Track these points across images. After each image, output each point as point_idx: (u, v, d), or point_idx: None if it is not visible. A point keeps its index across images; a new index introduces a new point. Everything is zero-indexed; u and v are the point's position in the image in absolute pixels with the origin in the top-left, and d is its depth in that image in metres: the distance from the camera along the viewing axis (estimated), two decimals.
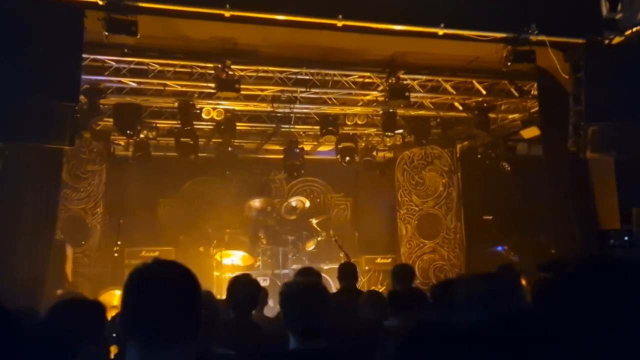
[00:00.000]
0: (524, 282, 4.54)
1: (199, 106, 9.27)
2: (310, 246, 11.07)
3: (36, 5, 5.90)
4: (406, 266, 6.84)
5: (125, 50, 7.57)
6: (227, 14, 6.24)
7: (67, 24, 5.94)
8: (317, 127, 10.41)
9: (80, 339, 2.39)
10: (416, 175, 12.70)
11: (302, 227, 11.34)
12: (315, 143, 11.59)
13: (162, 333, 1.69)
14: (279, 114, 10.00)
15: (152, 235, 10.83)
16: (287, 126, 10.41)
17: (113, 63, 7.98)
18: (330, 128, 10.16)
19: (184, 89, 8.90)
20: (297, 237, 11.01)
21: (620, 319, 1.30)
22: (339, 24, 6.62)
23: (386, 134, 10.41)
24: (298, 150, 11.11)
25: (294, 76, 8.71)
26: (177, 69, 8.33)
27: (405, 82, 8.72)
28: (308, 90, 8.95)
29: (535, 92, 8.96)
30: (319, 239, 11.05)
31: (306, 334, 2.63)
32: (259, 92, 9.26)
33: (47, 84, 5.80)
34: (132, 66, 8.07)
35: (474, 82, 9.43)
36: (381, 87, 8.99)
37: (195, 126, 9.79)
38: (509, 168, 11.09)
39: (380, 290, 7.76)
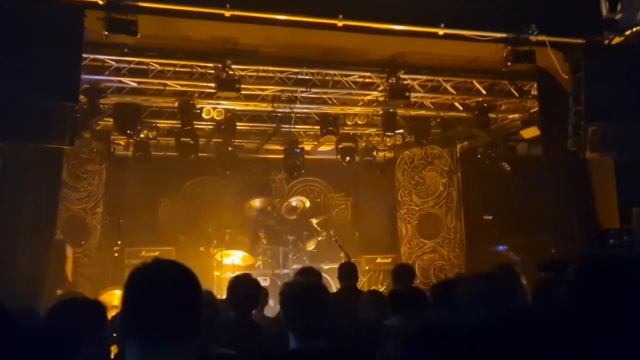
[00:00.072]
0: (524, 281, 4.54)
1: (199, 106, 9.26)
2: (311, 246, 11.06)
3: (36, 5, 5.90)
4: (406, 266, 6.83)
5: (125, 50, 7.56)
6: (228, 13, 6.24)
7: (67, 23, 5.94)
8: (318, 127, 10.41)
9: (80, 339, 2.38)
10: (416, 175, 12.71)
11: (302, 227, 11.33)
12: (315, 143, 11.59)
13: (162, 333, 1.68)
14: (279, 114, 10.01)
15: (152, 235, 10.80)
16: (287, 126, 10.41)
17: (113, 63, 7.97)
18: (330, 128, 10.16)
19: (184, 88, 8.89)
20: (297, 237, 11.01)
21: (620, 319, 1.30)
22: (340, 24, 6.62)
23: (386, 133, 10.39)
24: (298, 150, 11.11)
25: (294, 76, 8.71)
26: (177, 69, 8.32)
27: (405, 82, 8.72)
28: (308, 90, 8.95)
29: (535, 92, 8.95)
30: (319, 238, 11.04)
31: (306, 334, 2.63)
32: (259, 92, 9.26)
33: (47, 84, 5.79)
34: (132, 66, 8.06)
35: (474, 82, 9.42)
36: (381, 87, 8.99)
37: (196, 126, 9.78)
38: (509, 168, 11.09)
39: (381, 290, 7.76)
